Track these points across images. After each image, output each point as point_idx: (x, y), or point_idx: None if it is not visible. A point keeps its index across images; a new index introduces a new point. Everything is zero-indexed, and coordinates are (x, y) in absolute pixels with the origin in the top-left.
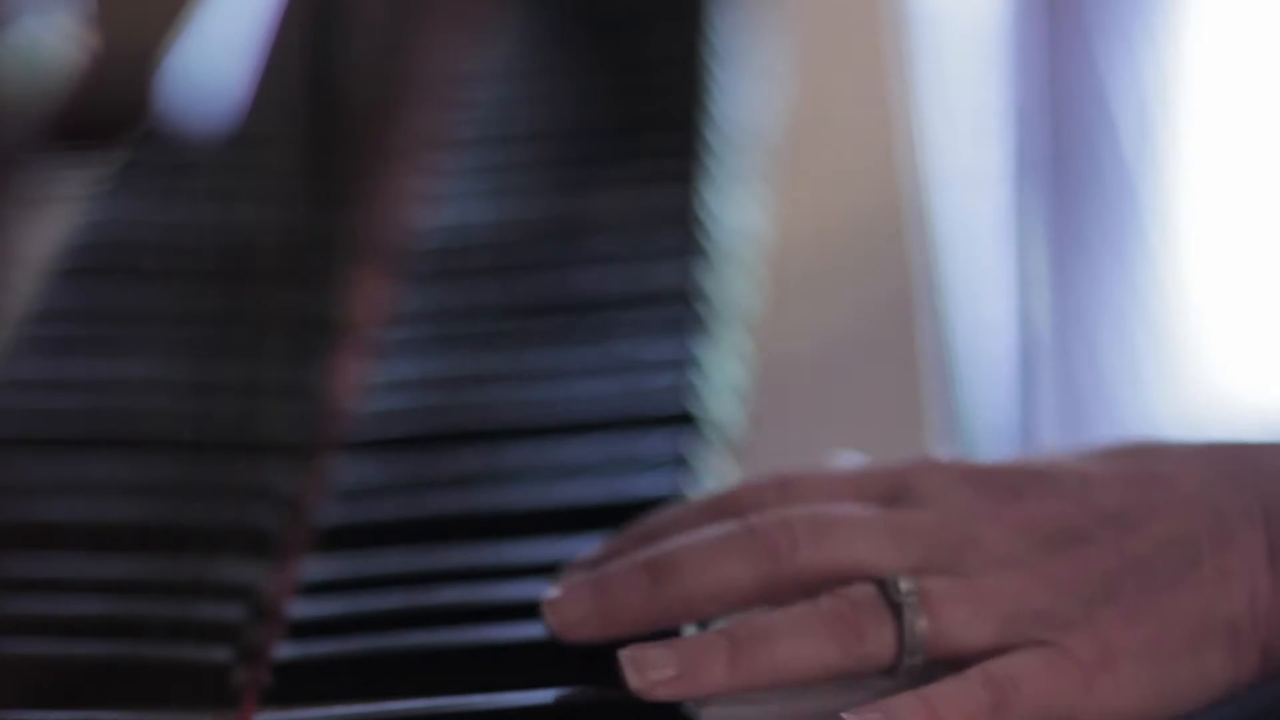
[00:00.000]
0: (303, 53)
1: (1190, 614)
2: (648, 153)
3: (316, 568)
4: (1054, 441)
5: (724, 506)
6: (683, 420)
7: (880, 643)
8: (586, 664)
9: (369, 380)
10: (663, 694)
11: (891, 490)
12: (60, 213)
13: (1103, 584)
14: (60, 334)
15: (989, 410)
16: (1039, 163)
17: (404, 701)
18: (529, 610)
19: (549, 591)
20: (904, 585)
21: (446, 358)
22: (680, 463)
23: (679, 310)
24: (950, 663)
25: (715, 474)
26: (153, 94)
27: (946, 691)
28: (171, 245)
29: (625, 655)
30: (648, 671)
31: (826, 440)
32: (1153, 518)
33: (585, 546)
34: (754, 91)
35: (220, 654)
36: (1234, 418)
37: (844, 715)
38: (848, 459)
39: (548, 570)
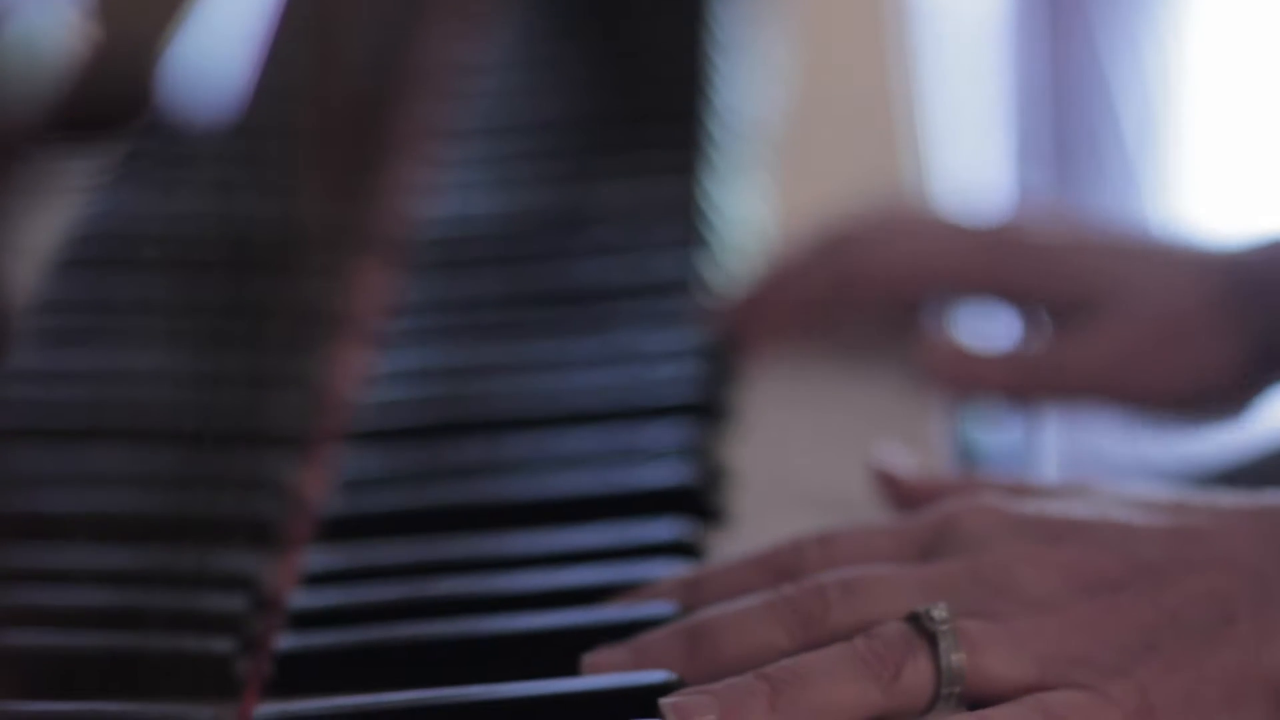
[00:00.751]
0: (305, 44)
1: (1228, 670)
2: (649, 143)
3: (318, 558)
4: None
5: (765, 566)
6: (685, 410)
7: (917, 676)
8: (584, 649)
9: (371, 371)
10: None
11: (930, 542)
12: (62, 204)
13: (1139, 635)
14: (62, 325)
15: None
16: (1041, 152)
17: (405, 693)
18: (530, 601)
19: (588, 654)
20: (936, 614)
21: (448, 348)
22: (683, 453)
23: (681, 301)
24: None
25: (717, 465)
26: (155, 85)
27: (1001, 716)
28: (173, 236)
29: (667, 704)
30: (689, 718)
31: (826, 427)
32: (1191, 574)
33: (587, 537)
34: (755, 82)
35: (222, 645)
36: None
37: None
38: (887, 451)
39: (550, 561)
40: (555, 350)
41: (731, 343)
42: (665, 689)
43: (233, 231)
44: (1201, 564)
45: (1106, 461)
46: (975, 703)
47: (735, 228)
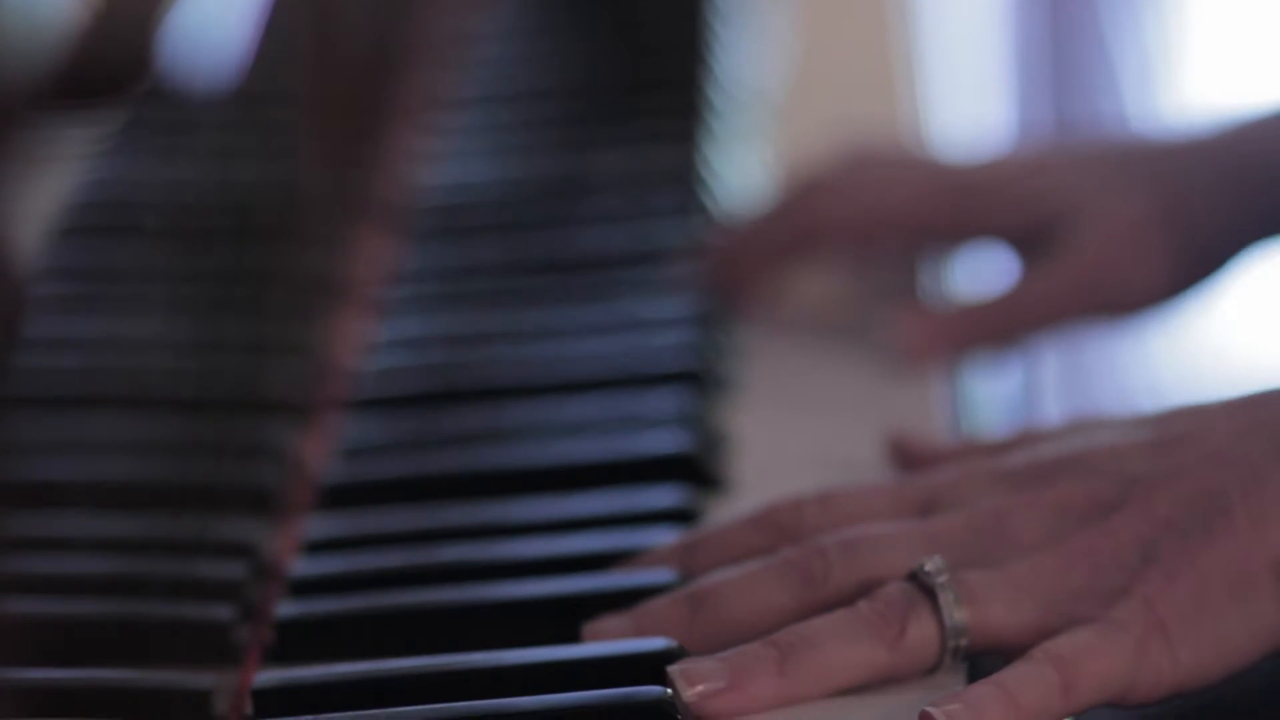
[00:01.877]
0: (305, 11)
1: (1229, 562)
2: (650, 111)
3: (318, 526)
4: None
5: (765, 525)
6: (685, 378)
7: (922, 632)
8: (586, 621)
9: (371, 339)
10: (715, 707)
11: (927, 500)
12: (62, 171)
13: (1138, 551)
14: (62, 293)
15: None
16: (1041, 119)
17: (405, 660)
18: (530, 568)
19: (592, 622)
20: (930, 567)
21: (449, 316)
22: (682, 420)
23: (681, 268)
24: (996, 655)
25: (717, 432)
26: (154, 52)
27: (1017, 676)
28: (173, 204)
29: (675, 670)
30: (698, 684)
31: (826, 392)
32: (1180, 476)
33: (586, 504)
34: (755, 49)
35: (222, 612)
36: (1240, 375)
37: (926, 709)
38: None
39: (550, 528)
40: (556, 318)
41: (715, 295)
42: (666, 656)
43: (232, 199)
44: (1189, 466)
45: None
46: (984, 653)
47: (736, 195)
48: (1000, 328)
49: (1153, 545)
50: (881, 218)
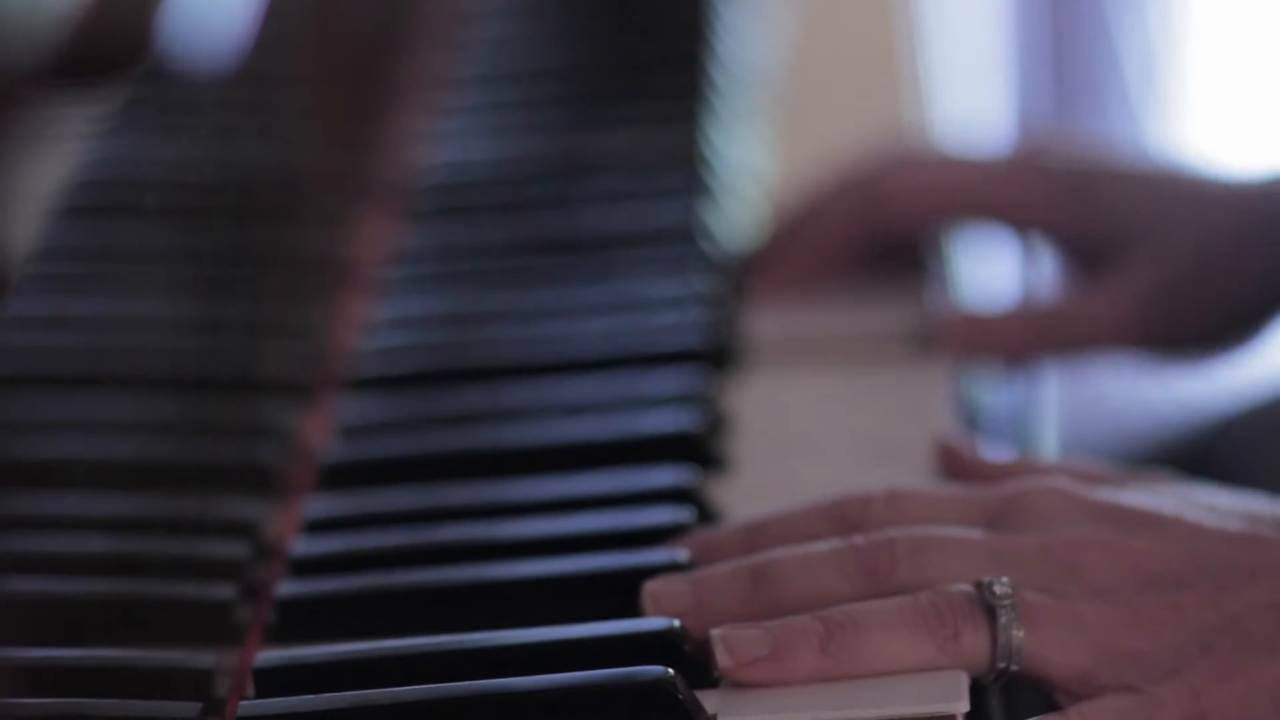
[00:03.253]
0: None
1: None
2: (653, 91)
3: (319, 505)
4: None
5: (831, 516)
6: (688, 358)
7: (975, 643)
8: (586, 601)
9: (373, 318)
10: (752, 677)
11: (999, 513)
12: (64, 150)
13: (1197, 636)
14: (63, 272)
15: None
16: (1043, 101)
17: (405, 639)
18: (532, 547)
19: (650, 582)
20: (999, 589)
21: (451, 295)
22: (685, 400)
23: (684, 248)
24: (1034, 686)
25: (720, 412)
26: (156, 30)
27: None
28: (175, 183)
29: (717, 635)
30: (739, 652)
31: (830, 376)
32: (1254, 581)
33: (588, 483)
34: (757, 29)
35: (223, 591)
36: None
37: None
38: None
39: (551, 507)
40: (557, 297)
41: (761, 291)
42: (667, 636)
43: (234, 179)
44: (1266, 573)
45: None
46: (1026, 683)
47: (738, 175)
48: (1035, 340)
49: (1214, 636)
50: (942, 196)
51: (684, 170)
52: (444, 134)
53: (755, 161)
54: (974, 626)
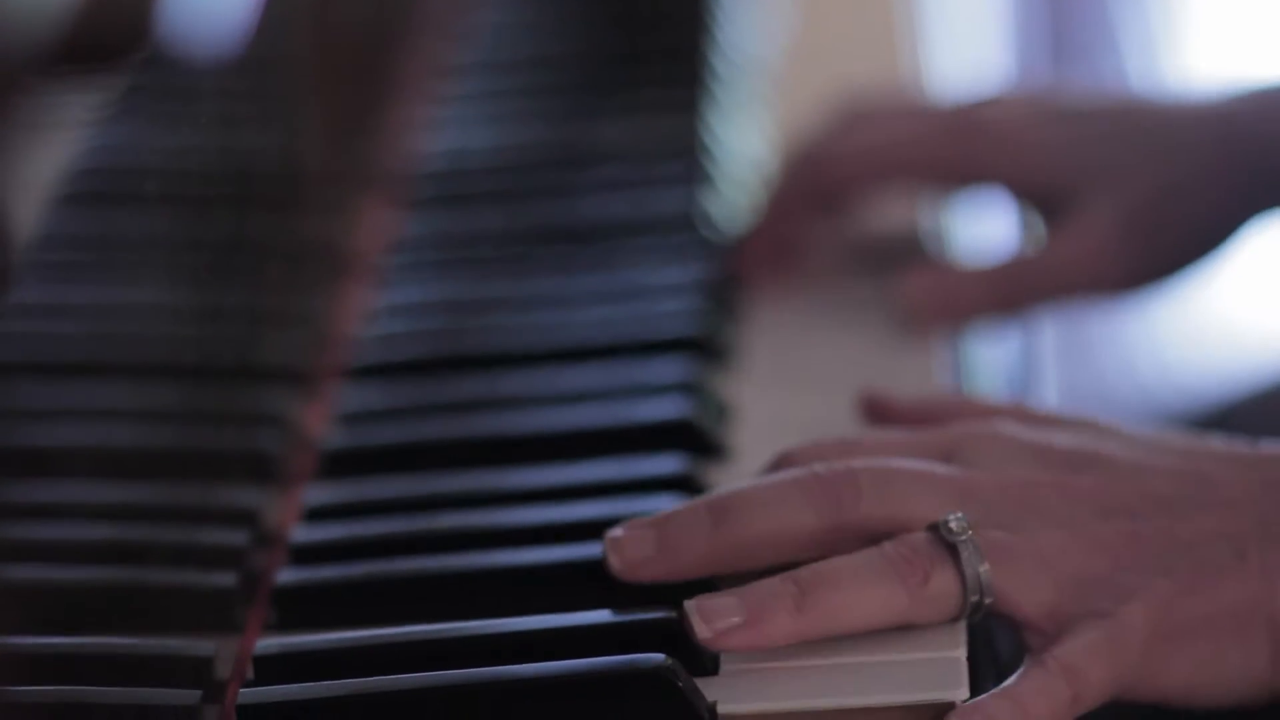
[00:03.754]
0: None
1: (1240, 602)
2: (652, 80)
3: (319, 493)
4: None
5: (784, 465)
6: (686, 346)
7: (944, 584)
8: (586, 589)
9: (373, 306)
10: (730, 644)
11: (950, 451)
12: (64, 138)
13: (1156, 559)
14: (63, 260)
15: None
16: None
17: (406, 627)
18: (531, 535)
19: (612, 530)
20: (955, 524)
21: (451, 283)
22: (683, 388)
23: (684, 236)
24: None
25: (718, 400)
26: (156, 18)
27: (1031, 688)
28: (174, 170)
29: (690, 606)
30: (714, 621)
31: (828, 363)
32: (1203, 512)
33: (587, 471)
34: (756, 16)
35: (224, 579)
36: (1242, 347)
37: (947, 718)
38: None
39: (550, 495)
40: (558, 285)
41: (742, 285)
42: (667, 624)
43: (234, 166)
44: (1210, 504)
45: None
46: (1000, 615)
47: (737, 163)
48: (1006, 295)
49: (1172, 559)
50: (879, 157)
51: (684, 159)
52: (444, 122)
53: (754, 149)
54: (940, 567)
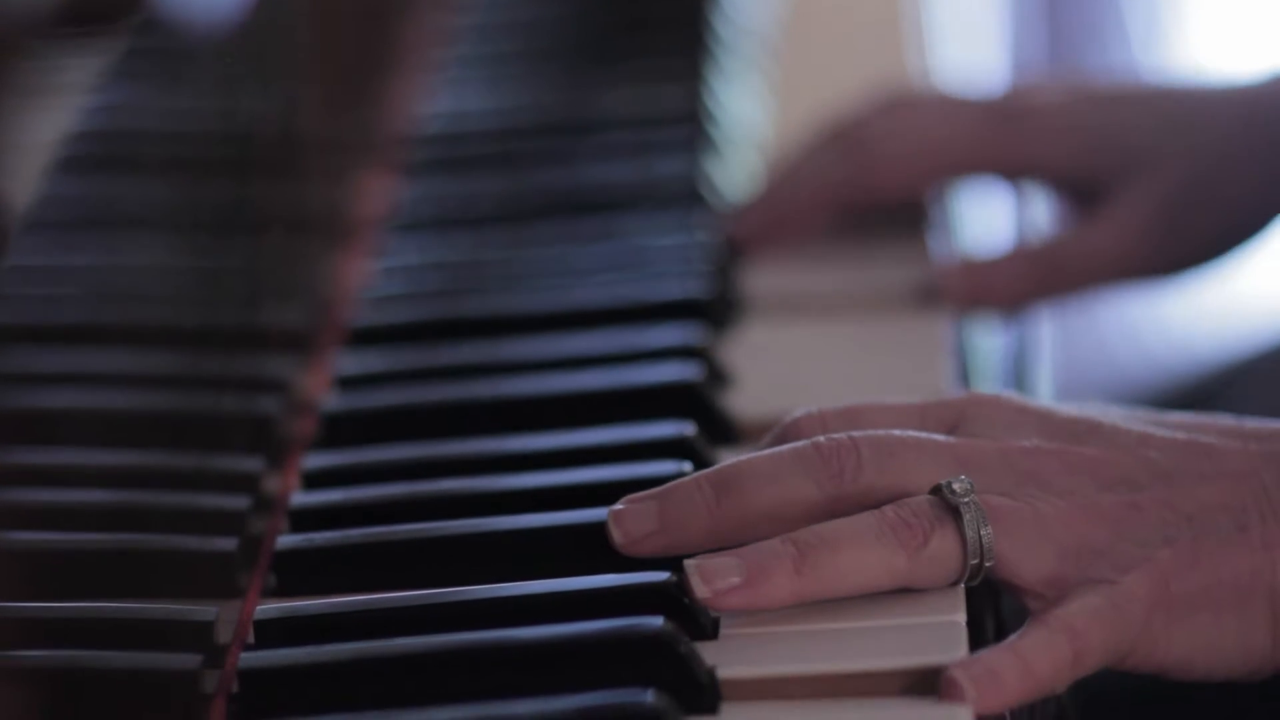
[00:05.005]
0: None
1: (1241, 573)
2: (654, 49)
3: (318, 458)
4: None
5: (787, 435)
6: (689, 310)
7: (944, 546)
8: (586, 553)
9: (373, 272)
10: (729, 604)
11: (953, 421)
12: (62, 101)
13: (1158, 530)
14: (63, 224)
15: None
16: (1038, 59)
17: (406, 592)
18: (532, 499)
19: (615, 506)
20: (958, 486)
21: (453, 248)
22: (688, 352)
23: (686, 202)
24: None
25: (720, 366)
26: None
27: (1033, 644)
28: (173, 135)
29: (690, 565)
30: (714, 581)
31: (829, 330)
32: (1205, 484)
33: (588, 436)
34: None
35: (225, 544)
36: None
37: (949, 672)
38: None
39: (552, 459)
40: (560, 249)
41: (745, 247)
42: (667, 588)
43: (234, 131)
44: (1213, 476)
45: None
46: (1001, 581)
47: (738, 131)
48: (1041, 280)
49: (1174, 530)
50: (928, 158)
51: (686, 126)
52: (446, 87)
53: (755, 116)
54: (941, 530)
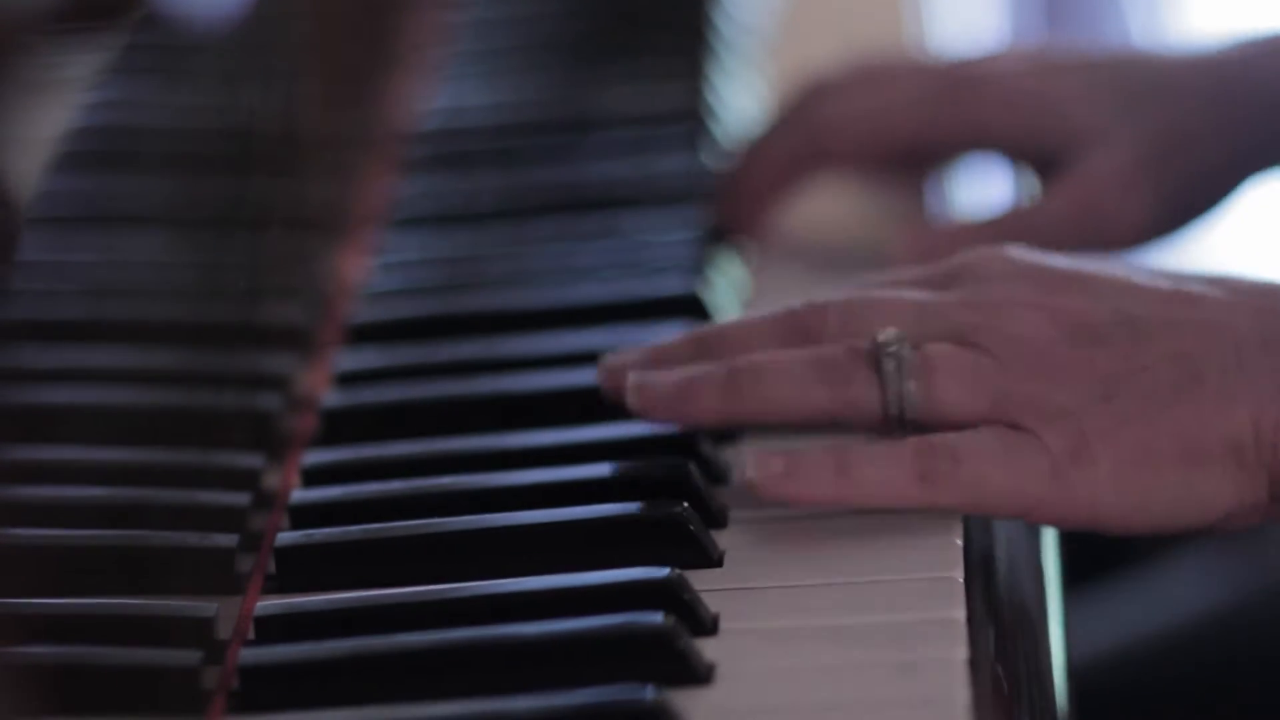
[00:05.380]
0: None
1: (1185, 428)
2: (654, 45)
3: (319, 454)
4: None
5: (785, 324)
6: (688, 306)
7: (864, 390)
8: (587, 550)
9: (372, 268)
10: (656, 414)
11: (950, 279)
12: (62, 97)
13: (1102, 384)
14: (64, 219)
15: None
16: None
17: (406, 588)
18: (533, 496)
19: (605, 357)
20: (882, 338)
21: (454, 246)
22: None
23: (686, 197)
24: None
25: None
26: None
27: (870, 452)
28: (172, 131)
29: (633, 379)
30: (646, 390)
31: None
32: (1168, 333)
33: (589, 433)
34: None
35: (225, 540)
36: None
37: (747, 460)
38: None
39: (552, 456)
40: (561, 248)
41: (724, 229)
42: (668, 584)
43: (234, 126)
44: (1182, 324)
45: None
46: (934, 427)
47: (738, 127)
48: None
49: (1116, 385)
50: (882, 120)
51: (684, 124)
52: (447, 84)
53: (755, 113)
54: (865, 374)
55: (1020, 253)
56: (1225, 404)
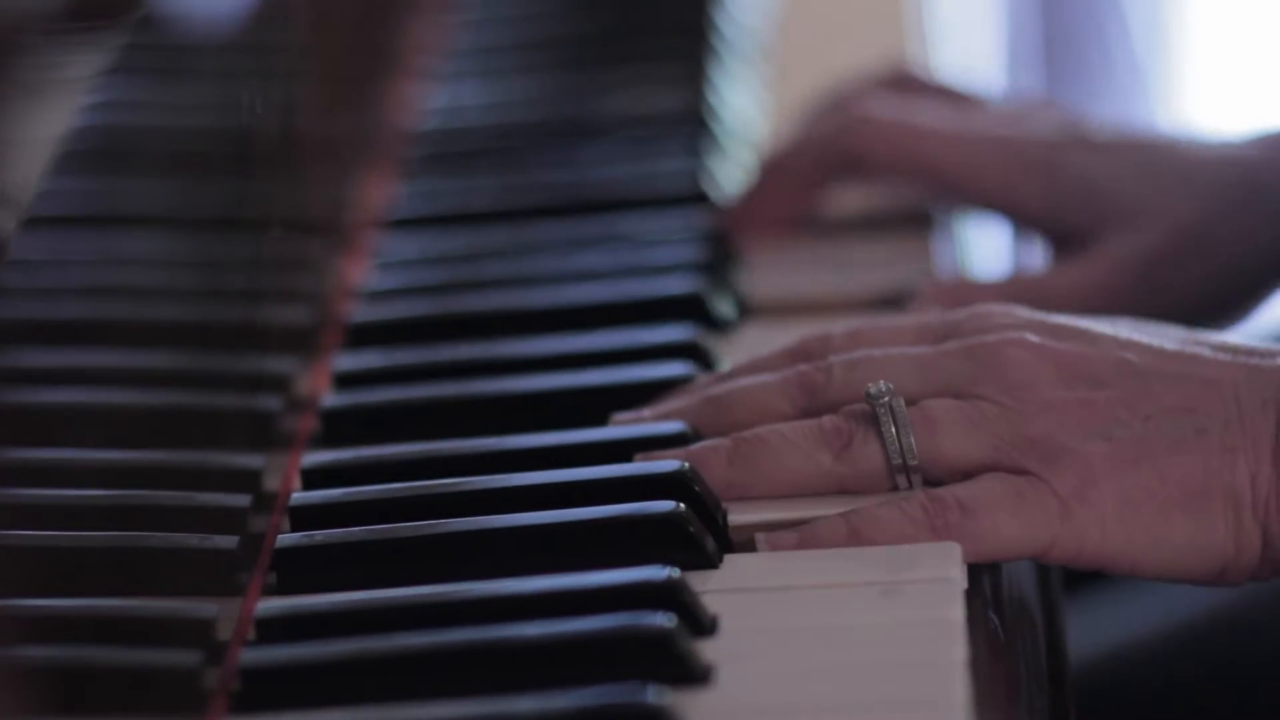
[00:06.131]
0: None
1: (1192, 475)
2: (655, 47)
3: (319, 455)
4: None
5: (794, 355)
6: (690, 308)
7: (865, 447)
8: (587, 551)
9: (372, 269)
10: None
11: (950, 332)
12: (61, 97)
13: (1101, 425)
14: (64, 220)
15: None
16: (1040, 57)
17: (407, 589)
18: (532, 495)
19: (616, 414)
20: (874, 390)
21: (454, 247)
22: (687, 350)
23: (687, 201)
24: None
25: (719, 360)
26: None
27: (879, 513)
28: (171, 131)
29: (640, 456)
30: (654, 459)
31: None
32: (1171, 386)
33: (589, 434)
34: None
35: (225, 541)
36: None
37: (758, 538)
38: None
39: (553, 456)
40: (561, 249)
41: (748, 227)
42: (668, 586)
43: (235, 127)
44: (1185, 379)
45: None
46: (938, 481)
47: (739, 129)
48: None
49: (1120, 429)
50: (927, 145)
51: (688, 122)
52: (447, 85)
53: (756, 115)
54: (864, 432)
55: (1024, 309)
56: (1227, 456)
